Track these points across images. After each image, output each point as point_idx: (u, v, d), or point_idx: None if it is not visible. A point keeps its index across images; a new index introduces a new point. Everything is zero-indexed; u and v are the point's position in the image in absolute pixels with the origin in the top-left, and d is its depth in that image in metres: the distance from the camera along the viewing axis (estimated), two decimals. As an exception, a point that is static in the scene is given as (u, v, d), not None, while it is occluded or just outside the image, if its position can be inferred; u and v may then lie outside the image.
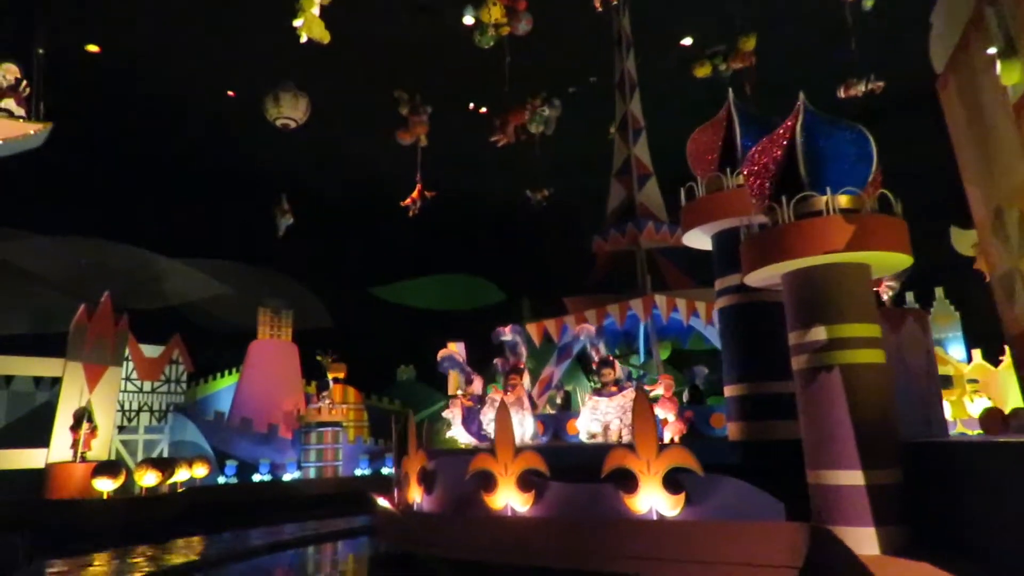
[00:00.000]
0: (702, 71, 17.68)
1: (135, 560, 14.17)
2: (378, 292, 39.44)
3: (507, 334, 13.97)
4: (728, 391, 11.30)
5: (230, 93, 28.12)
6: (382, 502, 15.39)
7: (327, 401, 29.18)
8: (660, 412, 11.92)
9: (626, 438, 12.45)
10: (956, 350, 26.63)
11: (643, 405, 10.26)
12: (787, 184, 9.08)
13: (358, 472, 29.17)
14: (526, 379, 13.77)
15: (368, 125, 35.84)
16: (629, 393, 12.58)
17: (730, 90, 11.73)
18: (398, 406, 33.88)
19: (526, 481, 11.41)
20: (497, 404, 13.75)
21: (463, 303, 38.44)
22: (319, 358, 31.10)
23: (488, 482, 11.73)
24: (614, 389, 12.62)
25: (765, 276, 9.46)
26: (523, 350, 14.01)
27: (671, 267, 16.23)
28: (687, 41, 25.90)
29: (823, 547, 8.09)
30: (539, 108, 17.84)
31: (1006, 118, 8.01)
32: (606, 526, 10.25)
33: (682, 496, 9.75)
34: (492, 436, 13.86)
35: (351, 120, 31.45)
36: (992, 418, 13.86)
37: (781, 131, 9.36)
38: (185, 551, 15.58)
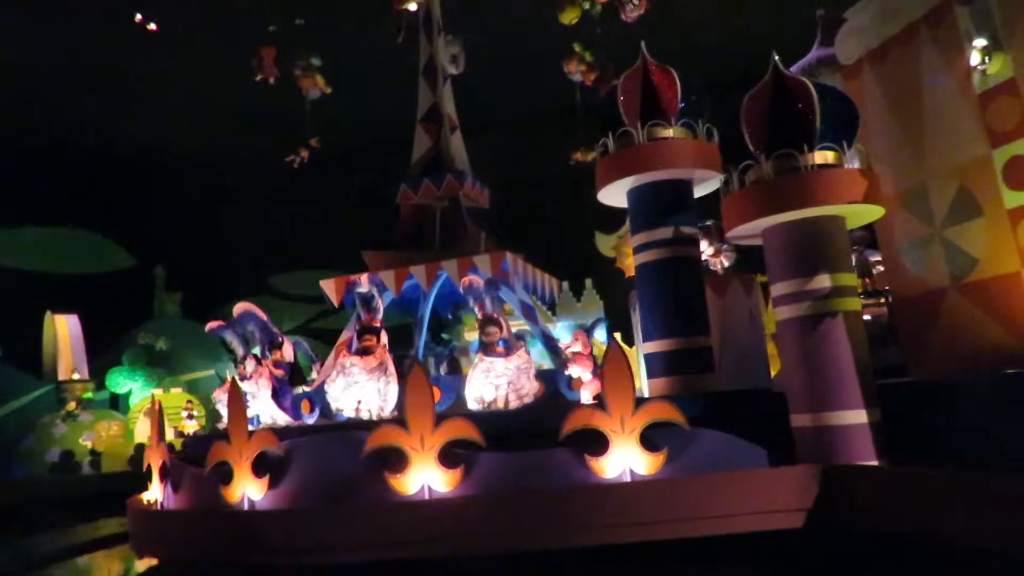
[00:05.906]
0: (569, 16, 16.64)
1: None
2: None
3: (363, 285, 11.38)
4: (651, 347, 11.01)
5: None
6: (150, 504, 11.25)
7: None
8: (576, 370, 11.01)
9: (513, 404, 11.20)
10: (601, 333, 30.64)
11: (617, 357, 9.36)
12: (780, 139, 9.26)
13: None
14: (384, 339, 11.39)
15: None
16: (523, 354, 11.38)
17: (642, 43, 11.47)
18: (-18, 396, 25.27)
19: (450, 455, 9.45)
20: (348, 371, 11.22)
21: (74, 266, 30.22)
22: None
23: (396, 461, 9.41)
24: (500, 350, 11.25)
25: (750, 228, 9.52)
26: (380, 304, 11.55)
27: (478, 227, 15.19)
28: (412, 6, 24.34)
29: (844, 483, 8.38)
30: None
31: (958, 103, 9.41)
32: (571, 495, 9.07)
33: (662, 454, 9.13)
34: (344, 412, 11.24)
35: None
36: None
37: (763, 87, 9.54)
38: None
